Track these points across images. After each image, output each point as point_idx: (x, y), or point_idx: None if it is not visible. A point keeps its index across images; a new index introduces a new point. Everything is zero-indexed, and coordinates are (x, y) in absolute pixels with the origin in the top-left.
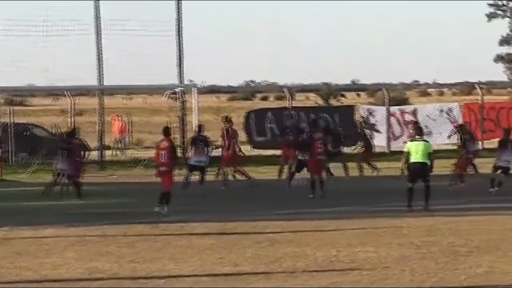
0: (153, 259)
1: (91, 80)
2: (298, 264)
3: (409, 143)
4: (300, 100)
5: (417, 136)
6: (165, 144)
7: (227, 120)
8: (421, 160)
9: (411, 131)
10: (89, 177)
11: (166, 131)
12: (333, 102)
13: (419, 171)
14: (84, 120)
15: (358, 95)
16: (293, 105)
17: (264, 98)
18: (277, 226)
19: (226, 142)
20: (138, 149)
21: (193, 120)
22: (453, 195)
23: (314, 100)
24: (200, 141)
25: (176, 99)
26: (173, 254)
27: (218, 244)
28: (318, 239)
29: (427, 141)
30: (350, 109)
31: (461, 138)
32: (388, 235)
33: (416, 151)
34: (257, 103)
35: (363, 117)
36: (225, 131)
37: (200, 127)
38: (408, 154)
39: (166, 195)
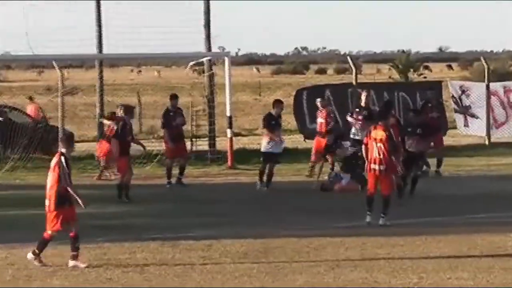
0: None
1: (88, 48)
2: None
3: None
4: (370, 74)
5: None
6: (382, 134)
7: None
8: None
9: None
10: (84, 177)
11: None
12: (414, 76)
13: None
14: (77, 101)
15: (449, 67)
16: (360, 81)
17: (321, 71)
18: (337, 243)
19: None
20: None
21: (226, 100)
22: None
23: (388, 74)
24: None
25: (201, 73)
26: (197, 283)
27: (259, 269)
28: (393, 261)
29: None
30: (437, 86)
31: None
32: (488, 256)
33: None
34: (311, 78)
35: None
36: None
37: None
38: None
39: (387, 201)
